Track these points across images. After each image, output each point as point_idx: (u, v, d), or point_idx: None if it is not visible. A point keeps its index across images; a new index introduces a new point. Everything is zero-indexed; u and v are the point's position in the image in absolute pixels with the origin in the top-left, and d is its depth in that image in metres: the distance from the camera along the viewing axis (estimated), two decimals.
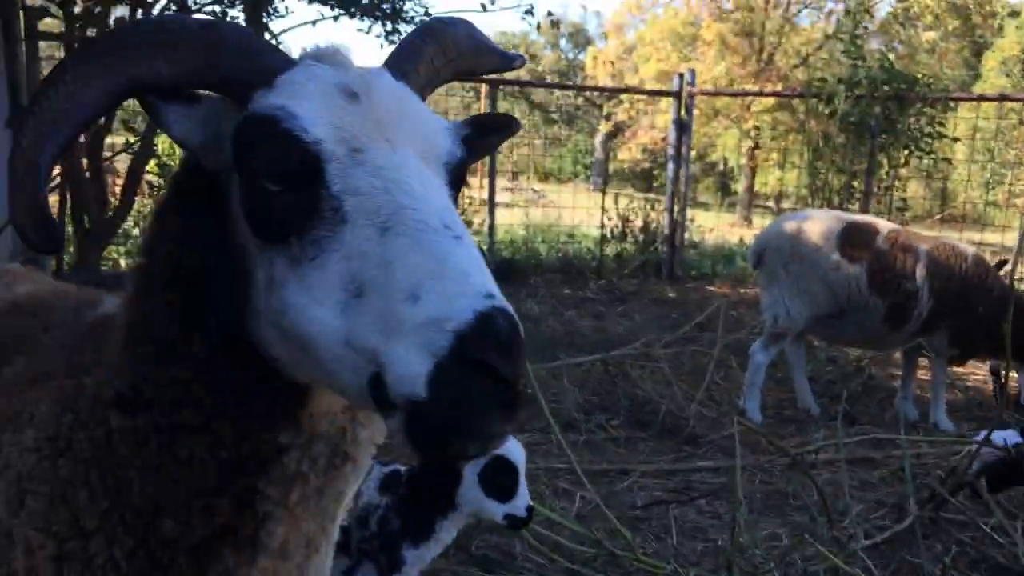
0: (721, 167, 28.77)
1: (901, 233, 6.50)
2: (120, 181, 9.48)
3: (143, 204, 9.84)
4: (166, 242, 1.38)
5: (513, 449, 2.80)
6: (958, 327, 6.22)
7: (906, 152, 10.39)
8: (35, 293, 1.89)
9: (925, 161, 10.75)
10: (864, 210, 10.08)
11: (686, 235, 12.39)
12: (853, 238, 6.36)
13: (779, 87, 20.89)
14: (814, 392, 6.75)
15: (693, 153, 27.17)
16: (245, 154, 1.27)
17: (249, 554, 1.43)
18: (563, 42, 39.66)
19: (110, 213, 8.87)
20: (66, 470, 1.43)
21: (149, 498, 1.38)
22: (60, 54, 8.90)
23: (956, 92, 12.98)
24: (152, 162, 8.99)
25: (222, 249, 1.33)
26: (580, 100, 28.15)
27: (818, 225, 6.51)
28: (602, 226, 11.86)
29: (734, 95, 16.96)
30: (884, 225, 6.65)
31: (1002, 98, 12.96)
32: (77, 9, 8.70)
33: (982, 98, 12.85)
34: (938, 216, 10.99)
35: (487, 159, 11.21)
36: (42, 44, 8.97)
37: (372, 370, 1.12)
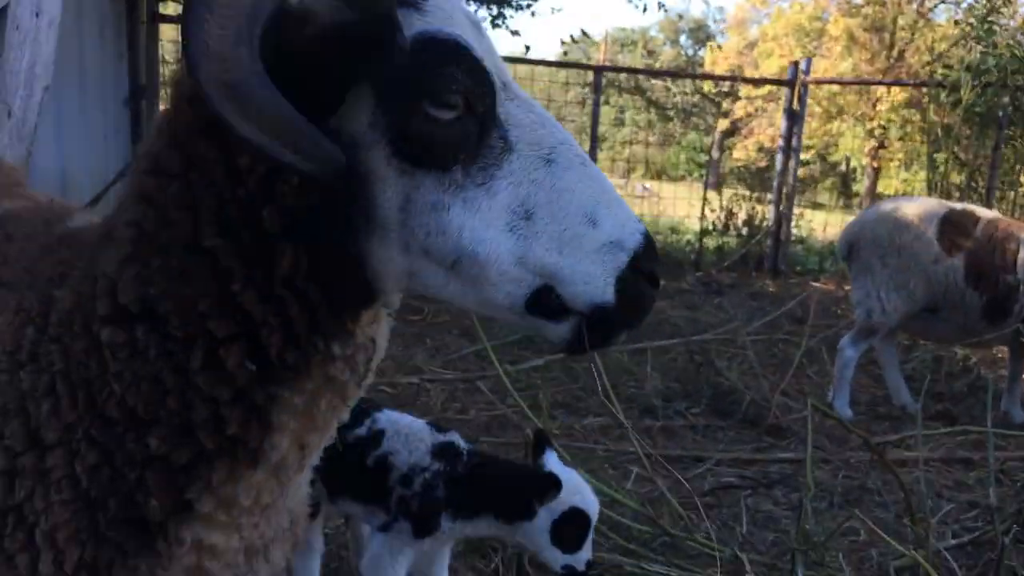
0: (843, 167, 27.67)
1: (1001, 221, 6.02)
2: None
3: None
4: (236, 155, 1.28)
5: (590, 503, 2.75)
6: None
7: None
8: (14, 208, 1.84)
9: None
10: (987, 207, 9.47)
11: (794, 230, 11.93)
12: (952, 227, 5.94)
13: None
14: (913, 390, 6.37)
15: (812, 152, 26.29)
16: (420, 73, 1.25)
17: (245, 468, 1.39)
18: (683, 38, 38.95)
19: None
20: (27, 383, 1.38)
21: (130, 411, 1.33)
22: (179, 37, 9.33)
23: None
24: None
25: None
26: (696, 97, 27.60)
27: (917, 213, 6.11)
28: (702, 217, 11.57)
29: (851, 83, 16.22)
30: (984, 213, 6.18)
31: None
32: None
33: None
34: None
35: (589, 149, 11.12)
36: (163, 27, 9.44)
37: (540, 284, 1.31)
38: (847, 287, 9.92)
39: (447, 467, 2.75)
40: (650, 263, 1.34)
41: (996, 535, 3.74)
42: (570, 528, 2.68)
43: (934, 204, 6.38)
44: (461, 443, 2.88)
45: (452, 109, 1.26)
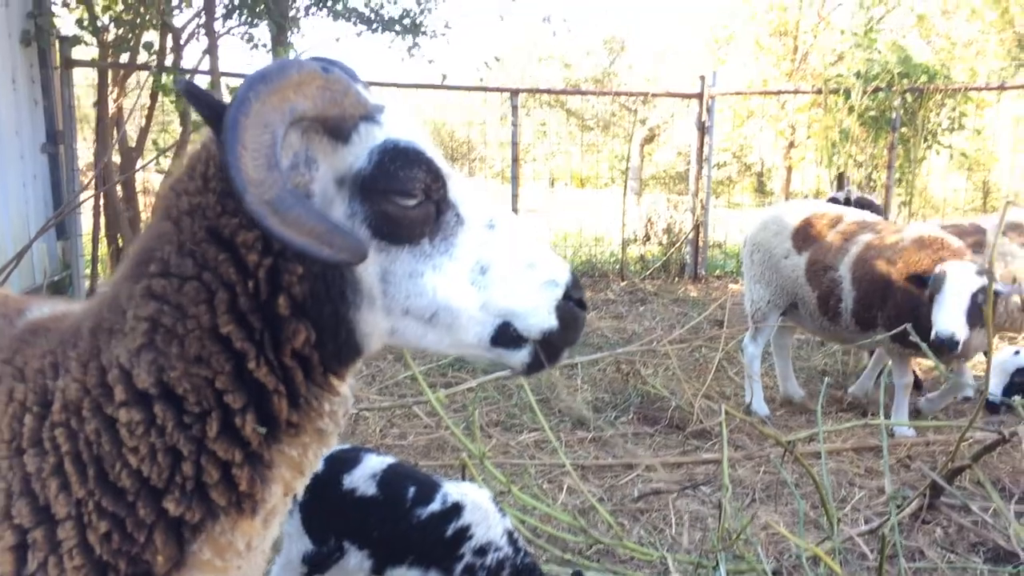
0: (759, 168, 28.47)
1: (867, 223, 6.21)
2: (152, 200, 9.84)
3: None
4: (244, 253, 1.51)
5: None
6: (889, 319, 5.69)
7: (925, 146, 10.26)
8: None
9: (941, 154, 10.60)
10: (886, 204, 9.98)
11: (712, 235, 12.37)
12: (809, 225, 6.29)
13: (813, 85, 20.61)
14: (830, 385, 6.76)
15: (729, 155, 26.98)
16: (393, 174, 1.55)
17: (245, 517, 1.57)
18: (599, 49, 39.56)
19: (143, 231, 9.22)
20: (32, 465, 1.50)
21: (144, 480, 1.48)
22: (94, 79, 9.26)
23: (997, 84, 12.21)
24: None
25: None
26: (616, 107, 28.09)
27: (785, 213, 6.56)
28: (623, 228, 11.92)
29: (755, 93, 16.85)
30: (854, 215, 6.40)
31: (1001, 87, 11.56)
32: (110, 37, 9.08)
33: (999, 87, 11.59)
34: (970, 208, 10.78)
35: (510, 168, 11.36)
36: (75, 71, 9.37)
37: (500, 322, 1.63)
38: None
39: (514, 554, 2.98)
40: (578, 291, 1.69)
41: (893, 522, 4.05)
42: None
43: (807, 205, 6.76)
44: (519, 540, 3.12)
45: (415, 198, 1.56)
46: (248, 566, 1.71)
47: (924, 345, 4.44)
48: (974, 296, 5.20)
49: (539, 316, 1.64)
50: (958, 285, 5.23)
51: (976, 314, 5.19)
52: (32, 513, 1.50)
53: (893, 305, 5.64)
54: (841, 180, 8.27)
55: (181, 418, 1.49)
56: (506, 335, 1.65)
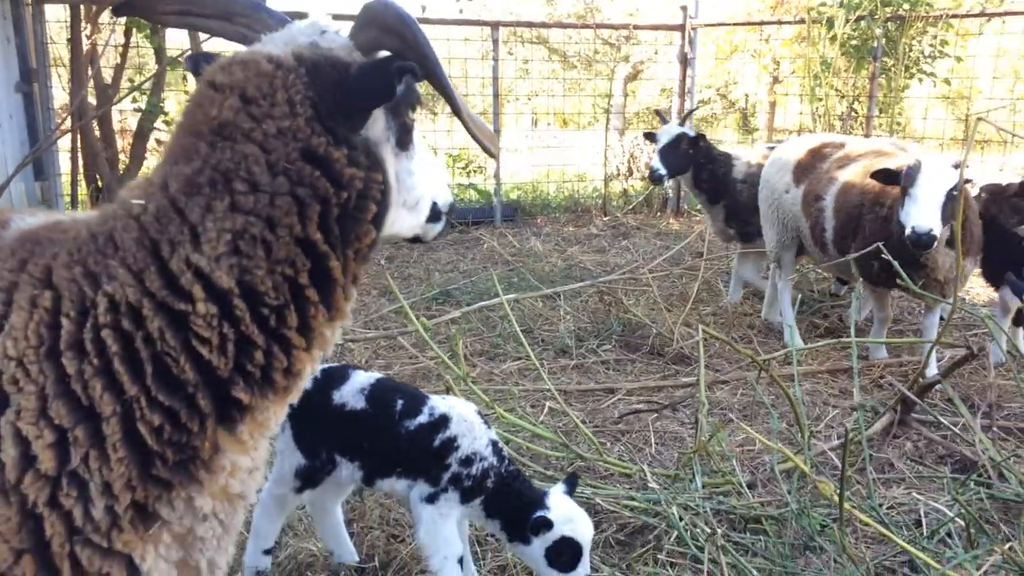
0: (743, 103, 28.31)
1: (851, 154, 6.00)
2: (130, 140, 9.75)
3: (153, 161, 10.06)
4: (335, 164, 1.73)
5: (581, 531, 3.03)
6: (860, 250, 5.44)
7: (907, 75, 10.22)
8: None
9: (924, 83, 10.57)
10: (867, 135, 10.00)
11: None
12: (811, 158, 6.21)
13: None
14: (813, 311, 6.90)
15: (713, 91, 26.84)
16: (412, 89, 1.85)
17: (280, 398, 1.73)
18: None
19: (122, 171, 9.16)
20: (72, 367, 1.51)
21: (211, 371, 1.59)
22: (66, 16, 9.08)
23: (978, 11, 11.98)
24: (160, 119, 9.21)
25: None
26: (599, 44, 27.77)
27: (790, 147, 6.54)
28: (605, 163, 11.91)
29: (738, 24, 16.71)
30: (853, 146, 6.19)
31: (983, 14, 10.78)
32: None
33: (981, 14, 11.14)
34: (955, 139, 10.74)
35: (491, 105, 11.28)
36: (48, 8, 9.19)
37: (432, 201, 2.07)
38: None
39: (498, 464, 3.07)
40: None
41: (862, 435, 4.19)
42: (562, 553, 3.00)
43: (811, 139, 6.69)
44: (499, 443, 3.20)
45: (415, 110, 1.92)
46: (263, 446, 1.82)
47: (900, 269, 4.47)
48: (950, 192, 4.91)
49: (448, 194, 2.15)
50: (933, 177, 4.93)
51: (950, 213, 4.90)
52: (71, 412, 1.52)
53: (862, 238, 5.49)
54: (683, 121, 8.23)
55: (258, 310, 1.63)
56: (434, 211, 2.10)
